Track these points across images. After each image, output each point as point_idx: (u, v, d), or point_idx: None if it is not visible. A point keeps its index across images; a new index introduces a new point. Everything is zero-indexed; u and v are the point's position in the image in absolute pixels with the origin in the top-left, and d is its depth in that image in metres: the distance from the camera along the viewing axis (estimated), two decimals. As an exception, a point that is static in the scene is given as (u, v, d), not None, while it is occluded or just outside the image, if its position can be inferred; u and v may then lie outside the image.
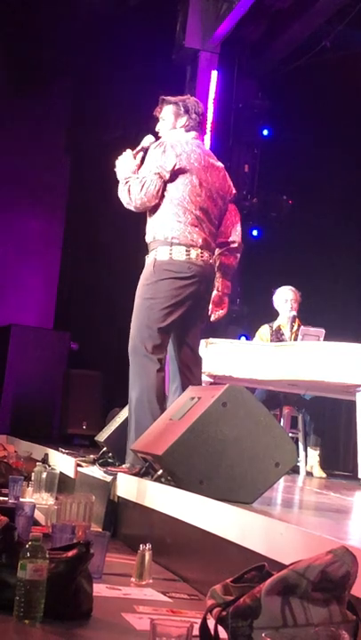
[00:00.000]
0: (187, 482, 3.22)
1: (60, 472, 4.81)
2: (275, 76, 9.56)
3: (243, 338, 8.33)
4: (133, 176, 4.29)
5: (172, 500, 3.20)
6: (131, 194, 4.26)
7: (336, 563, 1.69)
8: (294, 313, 6.73)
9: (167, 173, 4.24)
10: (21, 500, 4.07)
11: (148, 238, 4.38)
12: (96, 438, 5.42)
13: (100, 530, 3.59)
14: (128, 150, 4.43)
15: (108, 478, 4.04)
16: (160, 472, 3.48)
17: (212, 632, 1.75)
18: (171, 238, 4.23)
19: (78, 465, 4.88)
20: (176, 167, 4.25)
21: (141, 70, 9.01)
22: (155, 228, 4.30)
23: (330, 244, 8.81)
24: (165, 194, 4.28)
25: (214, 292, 4.51)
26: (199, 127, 4.51)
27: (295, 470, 6.12)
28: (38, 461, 5.20)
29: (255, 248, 8.58)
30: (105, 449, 5.05)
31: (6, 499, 4.14)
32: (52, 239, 10.60)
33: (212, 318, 4.58)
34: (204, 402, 3.38)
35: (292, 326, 6.69)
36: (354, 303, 8.26)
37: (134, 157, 4.40)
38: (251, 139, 9.67)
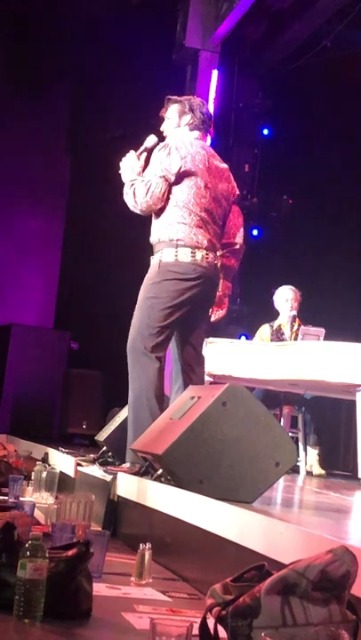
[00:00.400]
0: (187, 481, 3.22)
1: (60, 471, 4.81)
2: (275, 75, 9.56)
3: (243, 337, 8.32)
4: (139, 179, 4.28)
5: (171, 500, 3.20)
6: (136, 197, 4.25)
7: (336, 562, 1.69)
8: (294, 312, 6.73)
9: (173, 176, 4.24)
10: (21, 499, 4.07)
11: (152, 239, 4.38)
12: (96, 438, 5.42)
13: (100, 529, 3.59)
14: (131, 151, 4.42)
15: (108, 478, 4.04)
16: (160, 471, 3.48)
17: (212, 631, 1.75)
18: (176, 240, 4.23)
19: (78, 464, 4.88)
20: (181, 170, 4.25)
21: (141, 70, 9.00)
22: (160, 230, 4.30)
23: (330, 244, 8.81)
24: (170, 196, 4.28)
25: None
26: (203, 127, 4.50)
27: (295, 470, 6.12)
28: (38, 461, 5.20)
29: (255, 248, 8.57)
30: (105, 448, 5.05)
31: (6, 498, 4.14)
32: (52, 239, 10.60)
33: (212, 318, 4.59)
34: (204, 401, 3.38)
35: (292, 326, 6.69)
36: (354, 303, 8.25)
37: (138, 158, 4.40)
38: (251, 138, 9.67)
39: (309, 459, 6.46)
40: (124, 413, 4.95)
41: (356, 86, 8.58)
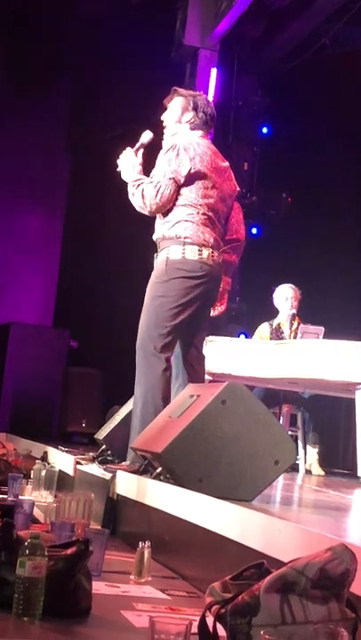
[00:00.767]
0: (186, 479, 3.22)
1: (60, 470, 4.81)
2: (274, 73, 9.56)
3: (242, 336, 8.33)
4: (146, 179, 4.27)
5: (171, 498, 3.20)
6: (145, 198, 4.24)
7: (335, 560, 1.69)
8: (294, 311, 6.74)
9: (182, 178, 4.23)
10: (20, 497, 4.07)
11: (156, 236, 4.38)
12: (95, 436, 5.42)
13: (100, 527, 3.59)
14: (128, 148, 4.41)
15: (108, 476, 4.04)
16: (159, 470, 3.49)
17: (211, 629, 1.75)
18: (184, 238, 4.23)
19: (77, 463, 4.88)
20: (191, 171, 4.24)
21: (141, 68, 9.00)
22: (165, 227, 4.28)
23: (329, 242, 8.81)
24: (178, 195, 4.27)
25: None
26: (205, 127, 4.48)
27: (294, 468, 6.12)
28: (37, 459, 5.20)
29: (255, 246, 8.55)
30: (104, 447, 5.05)
31: (5, 496, 4.14)
32: (51, 237, 10.59)
33: (212, 314, 4.59)
34: (204, 399, 3.38)
35: (291, 324, 6.69)
36: (353, 301, 8.25)
37: (135, 155, 4.39)
38: (250, 136, 9.67)
39: (309, 458, 6.47)
40: (123, 411, 4.95)
41: (355, 84, 8.58)
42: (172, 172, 4.22)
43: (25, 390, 8.75)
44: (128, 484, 3.79)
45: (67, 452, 5.50)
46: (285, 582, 1.68)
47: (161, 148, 4.38)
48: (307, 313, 6.89)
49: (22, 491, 4.32)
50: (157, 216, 4.37)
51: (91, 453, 5.22)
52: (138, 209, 4.32)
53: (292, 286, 6.86)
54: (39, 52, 9.69)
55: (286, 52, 9.27)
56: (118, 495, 3.88)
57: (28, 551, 2.01)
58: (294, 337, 6.51)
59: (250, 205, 9.06)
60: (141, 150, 4.41)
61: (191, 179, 4.25)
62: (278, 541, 2.29)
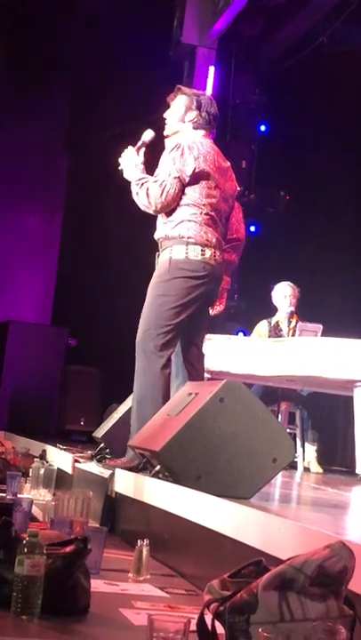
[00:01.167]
0: (184, 477, 3.22)
1: (58, 468, 4.81)
2: (272, 71, 9.55)
3: (240, 334, 8.33)
4: (150, 178, 4.27)
5: (169, 496, 3.21)
6: (150, 197, 4.23)
7: (333, 557, 1.70)
8: (292, 308, 6.74)
9: (187, 177, 4.23)
10: (19, 496, 4.07)
11: (158, 236, 4.37)
12: (94, 434, 5.42)
13: (98, 525, 3.59)
14: (130, 147, 4.41)
15: (106, 474, 4.04)
16: (158, 468, 3.49)
17: (210, 627, 1.75)
18: (187, 237, 4.22)
19: (76, 461, 4.88)
20: (196, 171, 4.24)
21: (141, 67, 8.99)
22: (168, 227, 4.28)
23: (327, 240, 8.81)
24: (182, 195, 4.27)
25: None
26: (208, 127, 4.48)
27: (293, 466, 6.13)
28: (36, 457, 5.20)
29: (252, 244, 8.51)
30: (103, 445, 5.05)
31: (4, 495, 4.14)
32: (50, 236, 10.59)
33: (211, 313, 4.59)
34: (202, 397, 3.38)
35: (289, 322, 6.70)
36: (351, 298, 8.25)
37: (137, 153, 4.39)
38: (248, 134, 9.67)
39: (308, 456, 6.47)
40: (122, 410, 4.96)
41: (352, 82, 8.58)
42: (178, 171, 4.21)
43: (23, 388, 8.75)
44: (126, 482, 3.79)
45: (65, 450, 5.50)
46: (284, 580, 1.68)
47: (162, 146, 4.38)
48: (305, 310, 6.90)
49: (21, 489, 4.31)
50: (160, 215, 4.36)
51: (89, 451, 5.22)
52: (142, 208, 4.31)
53: (291, 284, 6.86)
54: (39, 52, 9.69)
55: (284, 50, 9.27)
56: (117, 493, 3.88)
57: (26, 549, 2.01)
58: (293, 334, 6.52)
59: (248, 203, 9.06)
60: (143, 149, 4.41)
61: (195, 178, 4.25)
62: (277, 539, 2.29)
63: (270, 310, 6.96)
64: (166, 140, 4.44)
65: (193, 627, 1.73)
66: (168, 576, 2.89)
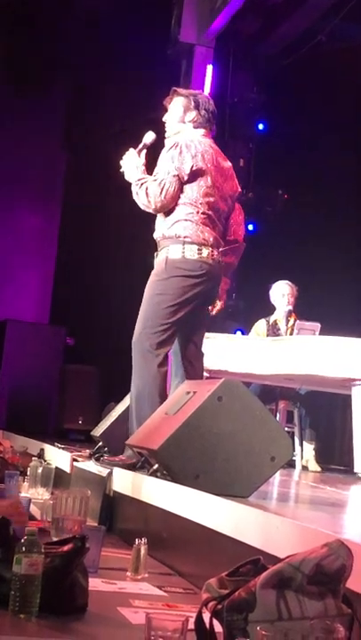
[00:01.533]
0: (182, 476, 3.22)
1: (56, 467, 4.81)
2: (270, 70, 9.54)
3: (238, 332, 8.33)
4: (149, 178, 4.27)
5: (167, 495, 3.21)
6: (149, 196, 4.23)
7: (331, 556, 1.70)
8: (290, 307, 6.74)
9: (185, 175, 4.23)
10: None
11: (156, 235, 4.37)
12: (92, 433, 5.42)
13: (96, 524, 3.59)
14: (131, 149, 4.40)
15: (104, 473, 4.04)
16: (156, 466, 3.49)
17: (208, 626, 1.75)
18: (183, 237, 4.23)
19: (74, 460, 4.89)
20: (193, 168, 4.24)
21: (138, 66, 8.99)
22: (165, 226, 4.28)
23: (325, 239, 8.81)
24: (180, 193, 4.27)
25: None
26: (208, 125, 4.47)
27: (291, 464, 6.13)
28: (34, 456, 5.20)
29: (251, 242, 8.50)
30: (101, 444, 5.05)
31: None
32: (48, 235, 10.58)
33: (212, 312, 4.60)
34: (200, 396, 3.38)
35: (287, 320, 6.70)
36: (350, 297, 8.26)
37: (138, 155, 4.38)
38: (246, 133, 9.65)
39: (306, 454, 6.47)
40: (120, 408, 4.95)
41: (351, 80, 8.58)
42: (176, 170, 4.22)
43: (21, 387, 8.75)
44: (124, 481, 3.79)
45: (63, 449, 5.50)
46: (282, 578, 1.68)
47: (163, 147, 4.37)
48: (303, 309, 6.89)
49: (19, 488, 4.32)
50: (158, 215, 4.36)
51: (87, 450, 5.23)
52: (142, 207, 4.31)
53: (289, 283, 6.86)
54: (39, 52, 9.68)
55: (282, 48, 9.25)
56: (115, 492, 3.88)
57: (24, 548, 2.01)
58: (291, 333, 6.52)
59: (246, 202, 9.03)
60: (144, 151, 4.40)
61: (193, 176, 4.25)
62: (275, 537, 2.29)
63: (268, 309, 6.95)
64: (166, 141, 4.44)
65: (191, 625, 1.73)
66: (166, 575, 2.90)
